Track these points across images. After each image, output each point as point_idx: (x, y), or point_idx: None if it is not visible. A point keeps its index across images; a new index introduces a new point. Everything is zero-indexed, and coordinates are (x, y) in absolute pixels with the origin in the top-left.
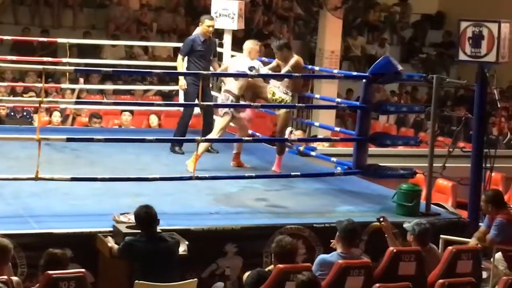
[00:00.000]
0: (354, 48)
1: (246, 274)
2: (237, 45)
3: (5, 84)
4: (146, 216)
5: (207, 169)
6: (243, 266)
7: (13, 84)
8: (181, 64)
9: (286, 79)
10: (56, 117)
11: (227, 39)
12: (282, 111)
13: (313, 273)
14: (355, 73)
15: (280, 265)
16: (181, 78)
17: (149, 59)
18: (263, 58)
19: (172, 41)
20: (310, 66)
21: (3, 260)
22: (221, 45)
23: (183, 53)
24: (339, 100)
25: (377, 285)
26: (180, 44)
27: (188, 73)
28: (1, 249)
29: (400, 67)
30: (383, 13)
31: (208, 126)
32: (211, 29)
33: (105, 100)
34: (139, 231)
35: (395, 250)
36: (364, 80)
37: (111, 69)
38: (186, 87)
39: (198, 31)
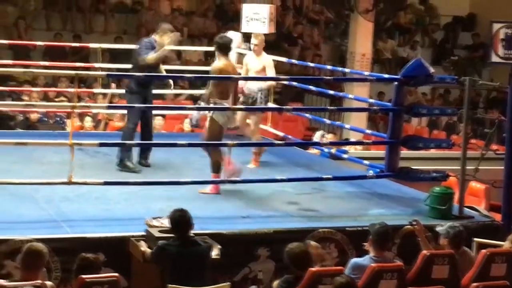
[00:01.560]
0: (385, 51)
1: (275, 282)
2: (268, 49)
3: (38, 89)
4: (180, 220)
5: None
6: (276, 270)
7: (46, 89)
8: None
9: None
10: (88, 122)
11: None
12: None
13: (349, 276)
14: (386, 76)
15: (313, 269)
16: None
17: (181, 64)
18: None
19: (203, 45)
20: (340, 69)
21: (38, 265)
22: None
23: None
24: (372, 100)
25: None
26: (210, 49)
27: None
28: (36, 254)
29: (431, 70)
30: (413, 15)
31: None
32: (167, 43)
33: (137, 105)
34: (172, 235)
35: (428, 254)
36: (395, 83)
37: (143, 73)
38: None
39: (154, 39)
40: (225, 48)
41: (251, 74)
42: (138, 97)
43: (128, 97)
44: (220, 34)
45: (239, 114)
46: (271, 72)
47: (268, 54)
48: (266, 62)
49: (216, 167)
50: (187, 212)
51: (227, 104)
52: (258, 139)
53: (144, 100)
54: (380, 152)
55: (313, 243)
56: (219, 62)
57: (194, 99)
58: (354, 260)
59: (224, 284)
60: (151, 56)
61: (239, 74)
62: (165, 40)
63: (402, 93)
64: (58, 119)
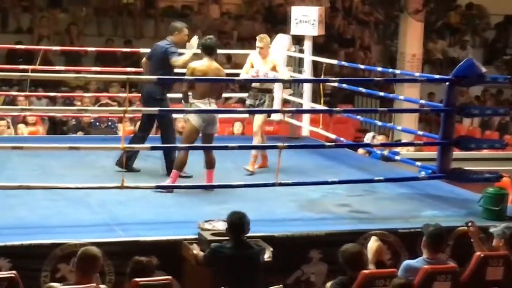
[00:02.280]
0: (436, 51)
1: (329, 284)
2: (318, 51)
3: (90, 94)
4: (239, 223)
5: (288, 175)
6: (328, 272)
7: (98, 94)
8: (183, 60)
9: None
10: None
11: (308, 46)
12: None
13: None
14: (437, 76)
15: (365, 271)
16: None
17: (230, 67)
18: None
19: (253, 49)
20: (391, 70)
21: (92, 269)
22: (301, 51)
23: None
24: (423, 101)
25: None
26: None
27: (274, 80)
28: (91, 257)
29: (483, 69)
30: (463, 15)
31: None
32: (187, 38)
33: (187, 108)
34: (225, 238)
35: (482, 255)
36: (447, 83)
37: (194, 77)
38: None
39: (172, 40)
40: (207, 49)
41: (260, 77)
42: (166, 103)
43: (155, 105)
44: (208, 36)
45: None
46: (282, 69)
47: (317, 56)
48: (275, 62)
49: (180, 166)
50: (245, 216)
51: (203, 106)
52: (260, 142)
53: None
54: (432, 153)
55: (374, 236)
56: (196, 62)
57: (245, 102)
58: (407, 262)
59: (277, 286)
60: (183, 59)
61: (225, 75)
62: (194, 44)
63: (454, 94)
64: (110, 123)
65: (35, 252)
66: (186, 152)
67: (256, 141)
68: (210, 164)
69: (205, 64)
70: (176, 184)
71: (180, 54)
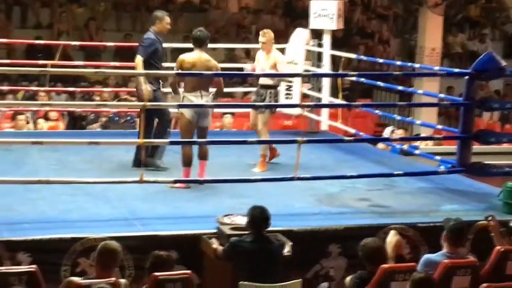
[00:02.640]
0: (455, 45)
1: (348, 278)
2: (336, 45)
3: (109, 89)
4: (260, 217)
5: (307, 169)
6: (347, 267)
7: (117, 89)
8: (142, 67)
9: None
10: None
11: (327, 40)
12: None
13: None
14: (457, 70)
15: (385, 265)
16: (145, 85)
17: (249, 61)
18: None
19: None
20: (410, 64)
21: (112, 263)
22: (320, 46)
23: (145, 54)
24: (442, 95)
25: (484, 285)
26: (279, 46)
27: (292, 74)
28: (111, 252)
29: (503, 63)
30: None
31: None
32: (169, 26)
33: (206, 103)
34: (244, 232)
35: (502, 249)
36: (466, 77)
37: (211, 72)
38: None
39: (154, 30)
40: (197, 41)
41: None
42: (158, 94)
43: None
44: (199, 28)
45: (251, 114)
46: (283, 68)
47: (336, 50)
48: (276, 59)
49: (187, 161)
50: (266, 210)
51: (195, 99)
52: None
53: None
54: (452, 147)
55: (393, 230)
56: (186, 54)
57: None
58: (427, 256)
59: (296, 280)
60: (139, 63)
61: (217, 69)
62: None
63: (473, 87)
64: (129, 118)
65: (55, 247)
66: (189, 146)
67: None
68: (203, 155)
69: (194, 56)
70: (193, 178)
71: (154, 49)
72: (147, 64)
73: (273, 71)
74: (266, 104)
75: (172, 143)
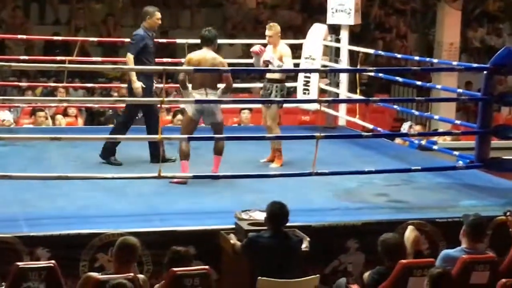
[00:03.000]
0: (475, 39)
1: (366, 274)
2: (354, 41)
3: (127, 85)
4: (279, 213)
5: (325, 164)
6: (365, 262)
7: None
8: (133, 64)
9: None
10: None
11: (344, 35)
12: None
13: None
14: (475, 65)
15: (403, 261)
16: (136, 80)
17: None
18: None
19: (288, 38)
20: (428, 59)
21: (131, 258)
22: (338, 41)
23: (135, 51)
24: (460, 90)
25: (504, 280)
26: (296, 41)
27: (310, 70)
28: (129, 247)
29: None
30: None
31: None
32: (160, 22)
33: (224, 98)
34: (262, 228)
35: None
36: (485, 72)
37: (230, 68)
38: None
39: (144, 25)
40: (203, 40)
41: (270, 66)
42: (147, 91)
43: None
44: (207, 27)
45: (262, 110)
46: (288, 61)
47: (354, 46)
48: (282, 52)
49: (183, 155)
50: (285, 206)
51: (199, 96)
52: (278, 134)
53: (150, 92)
54: (470, 142)
55: (410, 226)
56: (194, 52)
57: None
58: (446, 251)
59: (314, 276)
60: (130, 60)
61: (223, 66)
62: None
63: (492, 82)
64: None
65: (73, 242)
66: (186, 142)
67: (274, 133)
68: (218, 150)
69: (201, 54)
70: (216, 174)
71: (144, 46)
72: (137, 61)
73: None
74: (282, 99)
75: (190, 139)
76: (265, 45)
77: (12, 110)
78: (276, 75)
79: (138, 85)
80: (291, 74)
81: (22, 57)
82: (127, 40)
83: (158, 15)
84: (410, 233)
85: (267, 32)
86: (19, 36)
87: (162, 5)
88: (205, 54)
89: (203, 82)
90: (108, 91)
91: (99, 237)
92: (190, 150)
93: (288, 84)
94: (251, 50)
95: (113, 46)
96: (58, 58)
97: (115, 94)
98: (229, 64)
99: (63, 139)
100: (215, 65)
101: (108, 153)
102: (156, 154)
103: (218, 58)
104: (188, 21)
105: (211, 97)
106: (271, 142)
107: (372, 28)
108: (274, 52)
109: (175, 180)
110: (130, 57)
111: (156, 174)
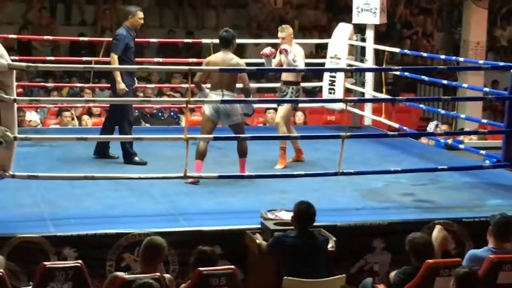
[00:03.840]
0: (502, 38)
1: (393, 273)
2: (380, 40)
3: (152, 85)
4: (306, 213)
5: (350, 164)
6: (392, 262)
7: (160, 85)
8: (117, 64)
9: None
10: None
11: (370, 34)
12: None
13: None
14: (502, 64)
15: (429, 261)
16: (120, 81)
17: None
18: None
19: (314, 38)
20: (454, 58)
21: (157, 258)
22: (363, 40)
23: (119, 51)
24: (487, 89)
25: None
26: (322, 41)
27: (336, 69)
28: (156, 247)
29: None
30: None
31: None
32: (142, 21)
33: (249, 98)
34: (288, 227)
35: None
36: None
37: (255, 67)
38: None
39: (126, 25)
40: (221, 42)
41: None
42: (129, 90)
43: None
44: (225, 28)
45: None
46: (300, 61)
47: (379, 45)
48: (294, 52)
49: (199, 155)
50: (313, 206)
51: (215, 97)
52: (284, 133)
53: (133, 91)
54: (497, 141)
55: (438, 225)
56: (212, 55)
57: (306, 92)
58: (472, 251)
59: (340, 276)
60: (115, 59)
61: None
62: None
63: None
64: (172, 114)
65: (100, 242)
66: (204, 142)
67: (280, 132)
68: (241, 152)
69: (219, 56)
70: (243, 173)
71: (127, 45)
72: (120, 61)
73: (291, 67)
74: (309, 99)
75: (216, 138)
76: (275, 46)
77: (38, 110)
78: (291, 77)
79: (122, 86)
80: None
81: (48, 58)
82: (153, 40)
83: (140, 14)
84: (438, 233)
85: (280, 34)
86: (45, 37)
87: (188, 6)
88: (223, 56)
89: (220, 83)
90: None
91: (125, 237)
92: (206, 150)
93: (313, 84)
94: (261, 53)
95: (139, 46)
96: (84, 58)
97: (141, 94)
98: (254, 64)
99: (89, 139)
100: (233, 66)
101: (128, 156)
102: (126, 153)
103: (235, 59)
104: (214, 22)
105: (227, 97)
106: (293, 142)
107: (398, 27)
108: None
109: (190, 180)
110: (114, 56)
111: (181, 174)
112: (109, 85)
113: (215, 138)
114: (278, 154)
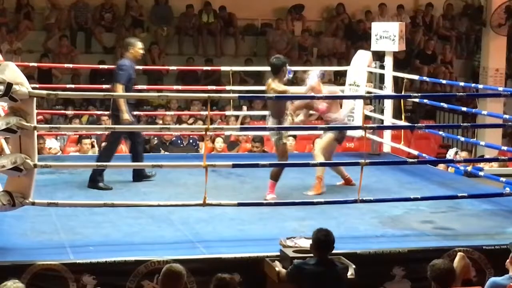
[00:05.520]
0: None
1: None
2: (398, 67)
3: (172, 113)
4: (325, 240)
5: (370, 191)
6: None
7: (179, 112)
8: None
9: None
10: (219, 143)
11: (388, 61)
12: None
13: None
14: None
15: None
16: (125, 111)
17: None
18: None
19: (333, 65)
20: (473, 85)
21: (176, 286)
22: (382, 67)
23: (124, 80)
24: (507, 116)
25: None
26: (340, 68)
27: (356, 97)
28: (175, 275)
29: None
30: None
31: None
32: (142, 51)
33: (268, 126)
34: (307, 255)
35: None
36: None
37: (274, 94)
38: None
39: (127, 56)
40: (271, 68)
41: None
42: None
43: (114, 120)
44: (277, 55)
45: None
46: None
47: (398, 72)
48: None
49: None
50: (331, 234)
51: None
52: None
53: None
54: None
55: (460, 253)
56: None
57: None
58: (493, 279)
59: None
60: (120, 89)
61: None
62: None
63: None
64: (191, 141)
65: (119, 269)
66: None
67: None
68: (273, 176)
69: (268, 83)
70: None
71: (130, 76)
72: (125, 90)
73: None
74: (328, 126)
75: (234, 166)
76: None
77: (58, 138)
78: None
79: (127, 116)
80: None
81: (68, 86)
82: (172, 68)
83: (139, 45)
84: (459, 261)
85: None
86: (66, 65)
87: (207, 34)
88: (270, 83)
89: (269, 110)
90: (153, 118)
91: (144, 264)
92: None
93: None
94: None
95: (158, 74)
96: (104, 86)
97: (160, 122)
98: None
99: (109, 167)
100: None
101: (95, 181)
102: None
103: (280, 87)
104: (233, 49)
105: (270, 123)
106: (317, 169)
107: (417, 55)
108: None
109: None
110: (120, 86)
111: (201, 202)
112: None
113: (234, 166)
114: (296, 182)
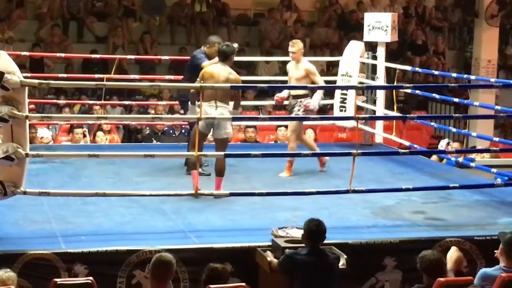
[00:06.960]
0: None
1: None
2: (391, 58)
3: (164, 103)
4: (316, 230)
5: (361, 182)
6: (403, 280)
7: (171, 102)
8: None
9: None
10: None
11: (381, 52)
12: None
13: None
14: None
15: (441, 279)
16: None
17: None
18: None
19: (325, 56)
20: (465, 76)
21: (166, 275)
22: (374, 58)
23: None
24: (498, 107)
25: None
26: (333, 58)
27: (347, 87)
28: (165, 264)
29: None
30: None
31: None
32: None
33: (261, 116)
34: (299, 245)
35: None
36: None
37: (266, 85)
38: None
39: (203, 51)
40: (219, 54)
41: (292, 82)
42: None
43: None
44: (227, 42)
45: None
46: (319, 79)
47: (390, 63)
48: (307, 69)
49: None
50: (323, 224)
51: (208, 109)
52: (293, 148)
53: None
54: (509, 159)
55: (454, 247)
56: (211, 65)
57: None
58: (484, 270)
59: None
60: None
61: (237, 82)
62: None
63: None
64: (183, 131)
65: (111, 259)
66: (221, 159)
67: (289, 147)
68: (218, 171)
69: (214, 68)
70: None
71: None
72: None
73: (303, 81)
74: (320, 116)
75: (226, 156)
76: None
77: (50, 127)
78: (300, 91)
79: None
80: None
81: (60, 75)
82: (164, 57)
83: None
84: (453, 253)
85: (291, 49)
86: (58, 54)
87: (200, 24)
88: (220, 69)
89: (214, 96)
90: (145, 108)
91: (136, 254)
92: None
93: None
94: (275, 97)
95: (150, 63)
96: (96, 75)
97: (152, 111)
98: (265, 82)
99: (101, 156)
100: (229, 80)
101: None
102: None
103: (232, 74)
104: (225, 39)
105: (221, 109)
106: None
107: (409, 45)
108: (297, 69)
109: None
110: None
111: (192, 192)
112: (121, 102)
113: (226, 156)
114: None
